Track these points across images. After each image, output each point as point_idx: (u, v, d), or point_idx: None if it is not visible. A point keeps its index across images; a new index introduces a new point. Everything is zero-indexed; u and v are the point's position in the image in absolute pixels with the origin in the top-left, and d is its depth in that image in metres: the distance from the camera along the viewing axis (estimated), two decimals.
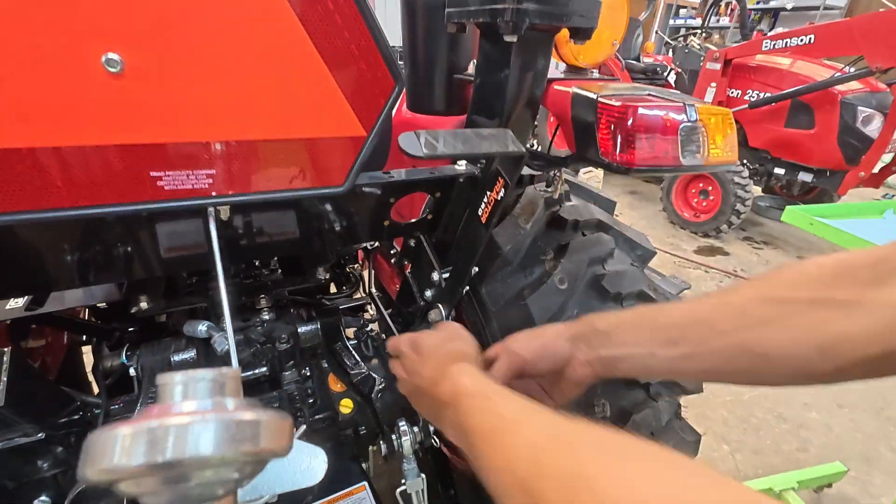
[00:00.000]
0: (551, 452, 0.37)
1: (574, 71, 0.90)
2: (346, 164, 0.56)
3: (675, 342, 0.52)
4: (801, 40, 3.99)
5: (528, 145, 0.79)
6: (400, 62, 0.83)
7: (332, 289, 1.55)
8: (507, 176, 0.62)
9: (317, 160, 0.54)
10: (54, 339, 1.12)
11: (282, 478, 0.47)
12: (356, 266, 1.54)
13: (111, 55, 0.41)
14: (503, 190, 0.62)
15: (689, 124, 0.67)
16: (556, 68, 0.97)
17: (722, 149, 0.72)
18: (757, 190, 4.95)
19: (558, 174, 0.90)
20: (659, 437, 0.98)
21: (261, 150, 0.51)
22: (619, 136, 0.66)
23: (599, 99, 0.67)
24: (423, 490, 0.90)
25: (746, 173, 4.34)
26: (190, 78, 0.45)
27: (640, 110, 0.65)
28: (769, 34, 4.40)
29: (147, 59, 0.43)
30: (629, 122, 0.64)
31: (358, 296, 1.52)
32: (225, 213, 0.57)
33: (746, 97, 4.39)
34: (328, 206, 0.68)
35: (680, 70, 5.23)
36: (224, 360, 0.87)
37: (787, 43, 4.10)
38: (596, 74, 0.93)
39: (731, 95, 4.56)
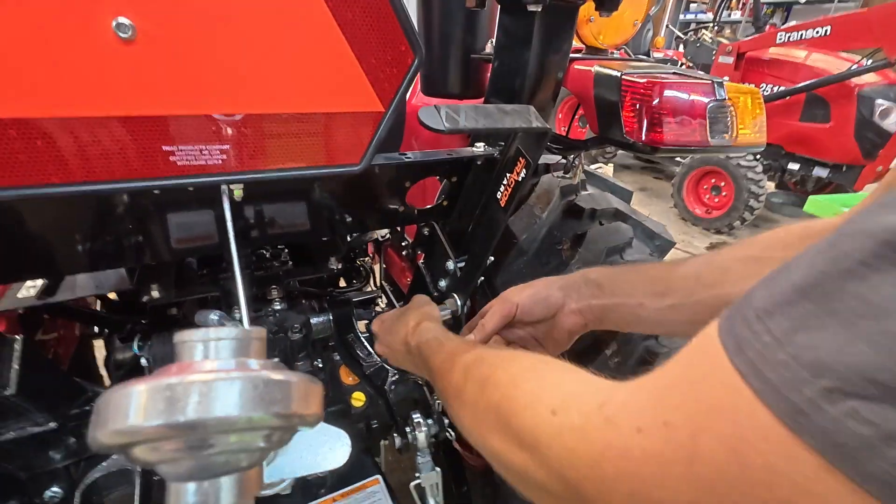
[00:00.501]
0: (474, 365, 0.49)
1: (594, 52, 0.87)
2: (363, 141, 0.54)
3: (664, 294, 0.55)
4: (817, 32, 3.91)
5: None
6: None
7: (342, 283, 1.54)
8: (528, 155, 0.60)
9: (332, 137, 0.52)
10: (66, 331, 1.11)
11: (304, 459, 0.45)
12: (366, 259, 1.53)
13: (122, 20, 0.39)
14: (524, 171, 0.60)
15: (718, 103, 0.64)
16: None
17: (751, 129, 0.69)
18: (770, 186, 4.87)
19: (577, 160, 0.88)
20: None
21: (275, 126, 0.49)
22: (645, 115, 0.63)
23: (624, 76, 0.65)
24: (437, 484, 0.88)
25: (760, 168, 4.27)
26: (203, 47, 0.43)
27: (668, 87, 0.62)
28: (783, 27, 4.32)
29: (159, 26, 0.41)
30: (655, 101, 0.62)
31: (369, 289, 1.50)
32: (238, 193, 0.55)
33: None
34: (342, 190, 0.66)
35: (691, 64, 5.16)
36: None
37: (802, 35, 4.03)
38: (616, 55, 0.90)
39: None
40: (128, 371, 0.98)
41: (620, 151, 6.42)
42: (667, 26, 7.13)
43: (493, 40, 0.77)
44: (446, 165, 0.73)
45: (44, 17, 0.37)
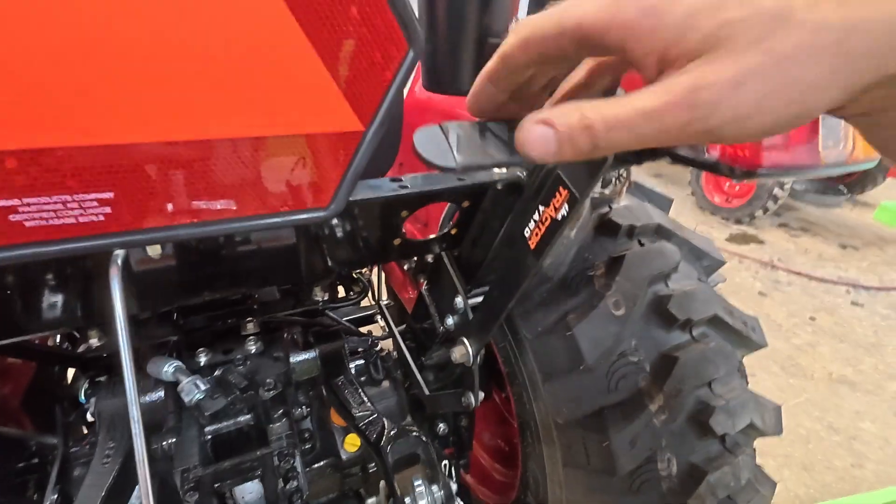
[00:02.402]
0: None
1: None
2: (333, 175, 0.36)
3: None
4: None
5: None
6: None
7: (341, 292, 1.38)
8: (573, 186, 0.41)
9: (287, 172, 0.35)
10: (10, 367, 0.96)
11: None
12: (364, 271, 1.36)
13: None
14: (567, 206, 0.42)
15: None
16: None
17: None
18: None
19: (625, 174, 0.70)
20: (737, 497, 0.79)
21: (194, 157, 0.32)
22: None
23: None
24: None
25: None
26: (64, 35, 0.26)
27: None
28: None
29: None
30: None
31: (365, 304, 1.34)
32: (156, 250, 0.38)
33: None
34: (318, 232, 0.49)
35: None
36: (195, 410, 0.70)
37: None
38: None
39: None
40: (77, 421, 0.83)
41: None
42: None
43: (517, 19, 0.59)
44: (457, 194, 0.55)
45: None
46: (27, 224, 0.29)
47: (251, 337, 0.82)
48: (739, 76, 0.23)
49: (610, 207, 0.88)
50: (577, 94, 0.35)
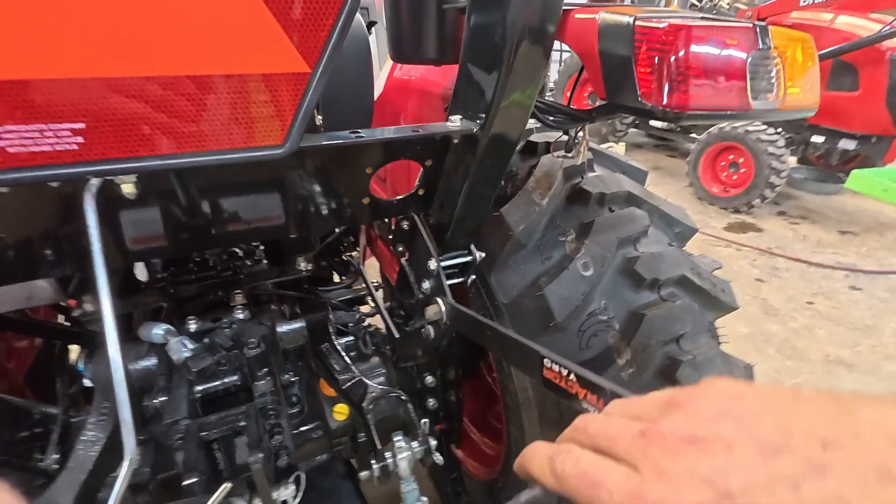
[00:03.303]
0: None
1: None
2: (286, 114, 0.40)
3: None
4: None
5: (541, 96, 0.62)
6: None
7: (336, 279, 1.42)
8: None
9: (242, 109, 0.39)
10: (14, 341, 1.01)
11: None
12: (354, 254, 1.40)
13: None
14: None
15: (761, 53, 0.49)
16: None
17: (801, 88, 0.53)
18: (792, 161, 4.60)
19: (581, 134, 0.73)
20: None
21: (155, 93, 0.36)
22: (667, 71, 0.48)
23: (637, 22, 0.50)
24: None
25: (782, 143, 4.02)
26: None
27: (695, 34, 0.47)
28: None
29: None
30: (680, 52, 0.47)
31: (358, 286, 1.38)
32: (129, 189, 0.42)
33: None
34: (280, 179, 0.53)
35: None
36: (182, 369, 0.74)
37: None
38: (627, 2, 0.75)
39: None
40: (77, 393, 0.87)
41: (632, 129, 6.16)
42: None
43: None
44: (415, 146, 0.59)
45: None
46: (10, 150, 0.33)
47: (239, 306, 0.86)
48: None
49: (582, 177, 0.92)
50: None
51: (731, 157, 4.37)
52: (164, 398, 0.74)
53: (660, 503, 0.25)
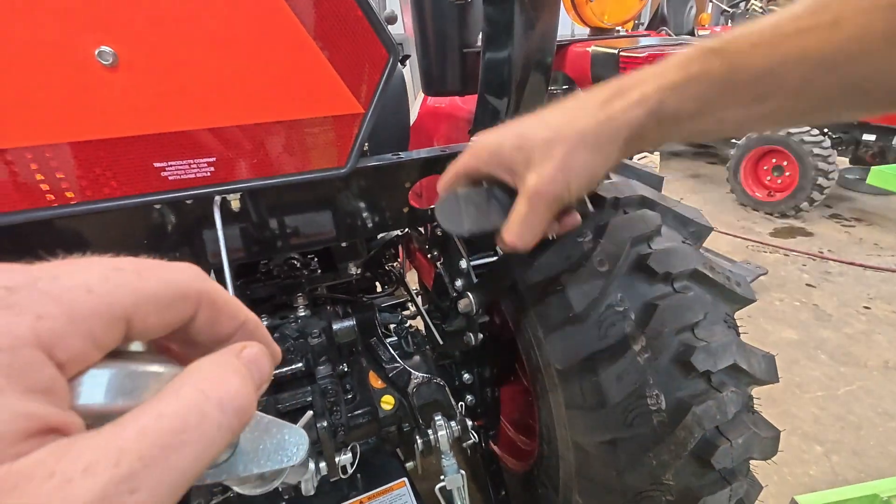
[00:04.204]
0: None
1: (599, 33, 0.83)
2: (347, 144, 0.54)
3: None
4: None
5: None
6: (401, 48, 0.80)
7: (379, 288, 1.56)
8: None
9: (316, 142, 0.53)
10: None
11: (260, 457, 0.45)
12: (396, 264, 1.55)
13: (104, 48, 0.42)
14: None
15: None
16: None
17: None
18: (844, 161, 4.41)
19: None
20: (727, 431, 0.87)
21: (259, 135, 0.51)
22: None
23: (622, 53, 0.61)
24: (463, 486, 0.87)
25: (828, 143, 3.88)
26: (181, 66, 0.45)
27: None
28: None
29: (138, 50, 0.44)
30: None
31: (400, 294, 1.51)
32: (235, 203, 0.58)
33: None
34: (339, 195, 0.67)
35: None
36: None
37: None
38: (623, 32, 0.86)
39: None
40: None
41: None
42: (711, 1, 6.70)
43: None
44: (443, 163, 0.72)
45: (32, 53, 0.40)
46: (170, 178, 0.49)
47: (301, 306, 1.01)
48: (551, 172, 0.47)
49: (598, 184, 1.02)
50: None
51: (774, 160, 4.25)
52: None
53: None
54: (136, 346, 0.21)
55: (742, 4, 5.10)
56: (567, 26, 1.66)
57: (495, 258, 0.93)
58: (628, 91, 0.44)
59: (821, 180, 3.90)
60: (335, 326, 1.01)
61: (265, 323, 0.97)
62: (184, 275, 0.21)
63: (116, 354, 0.19)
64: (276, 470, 0.30)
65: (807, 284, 3.19)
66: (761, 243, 3.84)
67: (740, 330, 1.03)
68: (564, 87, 0.87)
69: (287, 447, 0.32)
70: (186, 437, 0.17)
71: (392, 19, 1.32)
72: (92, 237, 0.62)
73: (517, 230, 0.50)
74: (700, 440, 0.86)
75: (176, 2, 0.44)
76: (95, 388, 0.18)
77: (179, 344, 0.23)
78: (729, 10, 5.28)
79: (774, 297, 3.04)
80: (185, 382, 0.19)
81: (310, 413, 0.44)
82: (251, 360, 0.22)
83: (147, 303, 0.19)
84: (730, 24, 5.38)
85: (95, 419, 0.17)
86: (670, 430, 0.85)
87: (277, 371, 0.92)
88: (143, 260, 0.20)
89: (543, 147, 0.46)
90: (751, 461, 0.96)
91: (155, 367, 0.20)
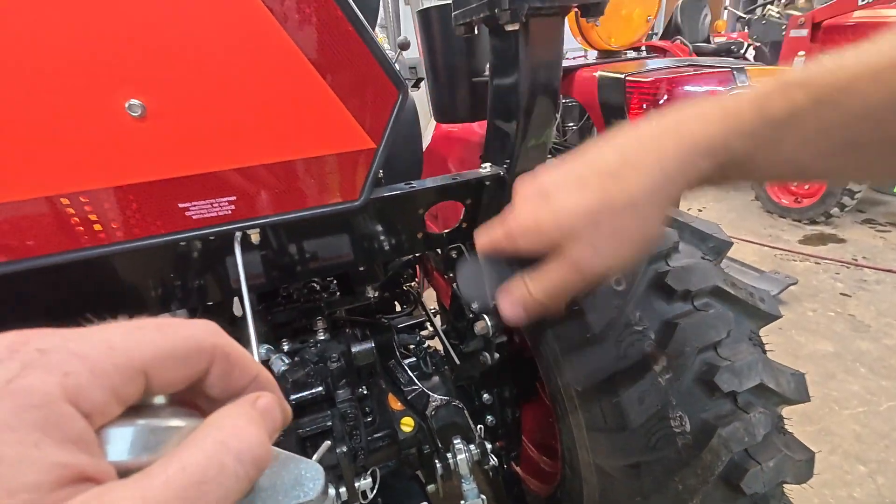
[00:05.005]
0: None
1: (607, 55, 0.84)
2: (360, 177, 0.56)
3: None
4: None
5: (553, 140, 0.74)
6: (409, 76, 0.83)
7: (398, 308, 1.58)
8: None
9: (331, 177, 0.56)
10: None
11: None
12: (413, 284, 1.56)
13: (133, 101, 0.46)
14: None
15: (737, 88, 0.58)
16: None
17: None
18: None
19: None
20: (756, 454, 0.84)
21: (276, 173, 0.53)
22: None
23: (627, 78, 0.61)
24: None
25: None
26: (203, 113, 0.49)
27: (676, 82, 0.58)
28: None
29: (164, 101, 0.47)
30: (664, 98, 0.58)
31: (418, 314, 1.52)
32: (255, 237, 0.60)
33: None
34: (355, 223, 0.69)
35: (759, 44, 4.74)
36: (280, 379, 0.92)
37: None
38: (631, 55, 0.86)
39: None
40: None
41: None
42: (726, 8, 6.64)
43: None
44: (455, 190, 0.74)
45: (67, 108, 0.43)
46: (194, 217, 0.52)
47: (321, 330, 1.03)
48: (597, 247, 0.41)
49: None
50: None
51: None
52: None
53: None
54: (158, 400, 0.22)
55: (759, 10, 5.04)
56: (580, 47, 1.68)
57: None
58: (689, 136, 0.36)
59: (852, 184, 3.77)
60: (354, 349, 1.02)
61: (286, 347, 0.99)
62: (199, 330, 0.22)
63: (140, 409, 0.20)
64: None
65: (841, 294, 3.06)
66: (790, 251, 3.71)
67: (772, 342, 1.00)
68: (581, 120, 0.88)
69: (304, 482, 0.33)
70: (207, 488, 0.18)
71: (405, 45, 1.37)
72: (122, 271, 0.65)
73: (542, 293, 0.45)
74: (728, 464, 0.83)
75: (199, 55, 0.47)
76: (121, 444, 0.19)
77: (197, 397, 0.24)
78: (745, 16, 5.22)
79: (807, 308, 2.92)
80: (206, 434, 0.20)
81: (327, 444, 0.45)
82: (266, 410, 0.23)
83: (165, 357, 0.21)
84: (747, 31, 5.32)
85: (123, 472, 0.18)
86: (696, 453, 0.83)
87: (298, 395, 0.93)
88: (164, 319, 0.22)
89: (586, 219, 0.40)
90: (785, 485, 0.92)
91: (176, 421, 0.21)
